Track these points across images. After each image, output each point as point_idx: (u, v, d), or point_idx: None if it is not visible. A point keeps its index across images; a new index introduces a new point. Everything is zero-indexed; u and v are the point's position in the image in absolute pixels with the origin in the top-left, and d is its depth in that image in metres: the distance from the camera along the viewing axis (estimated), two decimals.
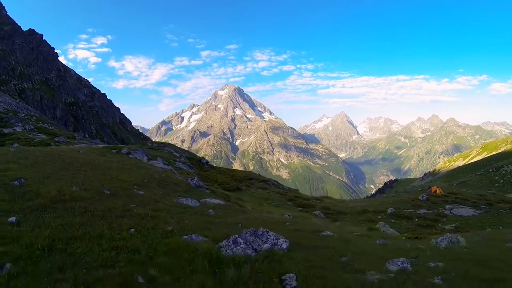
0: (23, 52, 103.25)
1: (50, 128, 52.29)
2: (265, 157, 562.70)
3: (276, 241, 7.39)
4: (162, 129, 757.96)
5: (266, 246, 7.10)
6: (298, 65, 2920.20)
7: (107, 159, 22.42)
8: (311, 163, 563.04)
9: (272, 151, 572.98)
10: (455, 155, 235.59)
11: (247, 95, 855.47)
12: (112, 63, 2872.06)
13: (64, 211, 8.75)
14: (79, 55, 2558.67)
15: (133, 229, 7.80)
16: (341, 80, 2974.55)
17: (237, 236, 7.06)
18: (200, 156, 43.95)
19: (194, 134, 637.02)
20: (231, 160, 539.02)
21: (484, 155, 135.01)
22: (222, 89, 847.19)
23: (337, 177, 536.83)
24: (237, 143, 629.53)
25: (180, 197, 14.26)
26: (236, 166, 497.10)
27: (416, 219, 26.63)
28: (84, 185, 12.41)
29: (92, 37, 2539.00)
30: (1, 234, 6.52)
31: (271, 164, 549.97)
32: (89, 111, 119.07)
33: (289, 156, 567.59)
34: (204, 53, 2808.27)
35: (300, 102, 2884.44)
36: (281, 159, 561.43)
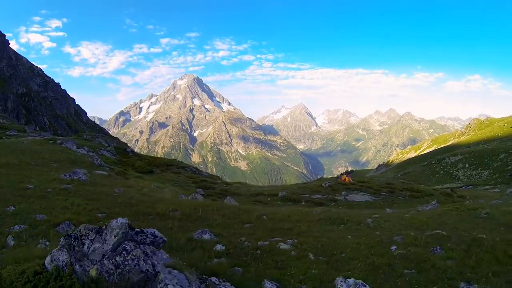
0: None
1: (1, 121, 57.38)
2: (223, 149, 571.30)
3: (81, 176, 18.52)
4: (120, 120, 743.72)
5: (76, 177, 18.23)
6: (258, 55, 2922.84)
7: (42, 147, 32.34)
8: (270, 155, 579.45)
9: (231, 142, 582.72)
10: (407, 147, 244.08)
11: (206, 85, 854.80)
12: (68, 48, 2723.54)
13: (9, 169, 19.54)
14: (32, 39, 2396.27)
15: (36, 174, 18.73)
16: (301, 72, 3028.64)
17: (68, 173, 18.19)
18: (128, 146, 54.39)
19: (153, 125, 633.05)
20: (189, 151, 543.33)
21: (434, 147, 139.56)
22: (181, 78, 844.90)
23: (296, 168, 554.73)
24: (195, 134, 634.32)
25: (79, 168, 25.07)
26: (195, 157, 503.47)
27: (304, 202, 28.65)
28: (21, 160, 23.08)
29: (46, 19, 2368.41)
30: None
31: (230, 155, 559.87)
32: (42, 102, 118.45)
33: (248, 147, 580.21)
34: (164, 41, 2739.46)
35: (259, 93, 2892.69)
36: (239, 150, 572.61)
